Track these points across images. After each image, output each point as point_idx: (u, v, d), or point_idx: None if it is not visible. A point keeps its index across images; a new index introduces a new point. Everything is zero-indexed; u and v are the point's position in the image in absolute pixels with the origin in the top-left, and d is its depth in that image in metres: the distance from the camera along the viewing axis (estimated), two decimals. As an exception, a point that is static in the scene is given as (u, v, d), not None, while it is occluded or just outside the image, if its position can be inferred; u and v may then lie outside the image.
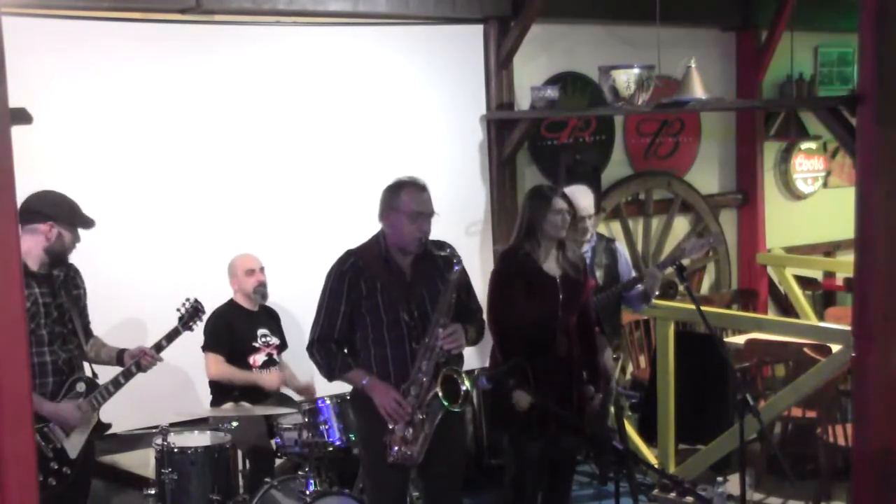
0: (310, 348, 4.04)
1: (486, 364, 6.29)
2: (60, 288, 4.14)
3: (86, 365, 4.26)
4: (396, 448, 3.88)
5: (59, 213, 4.07)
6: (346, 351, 4.03)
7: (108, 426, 4.29)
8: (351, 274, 3.96)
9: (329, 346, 4.00)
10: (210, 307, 5.14)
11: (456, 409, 3.92)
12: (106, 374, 4.26)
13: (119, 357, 4.31)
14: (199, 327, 4.61)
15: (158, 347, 4.29)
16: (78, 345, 4.19)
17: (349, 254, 4.04)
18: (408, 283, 3.99)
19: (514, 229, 4.62)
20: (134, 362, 4.22)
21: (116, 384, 4.19)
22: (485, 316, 4.33)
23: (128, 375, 4.22)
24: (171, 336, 4.33)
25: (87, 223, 4.19)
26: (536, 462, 4.55)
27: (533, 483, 4.59)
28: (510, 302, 4.44)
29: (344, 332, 4.00)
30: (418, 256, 4.01)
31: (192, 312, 4.42)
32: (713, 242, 6.16)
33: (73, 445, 4.08)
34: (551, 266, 4.49)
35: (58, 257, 4.12)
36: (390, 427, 3.89)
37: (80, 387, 4.13)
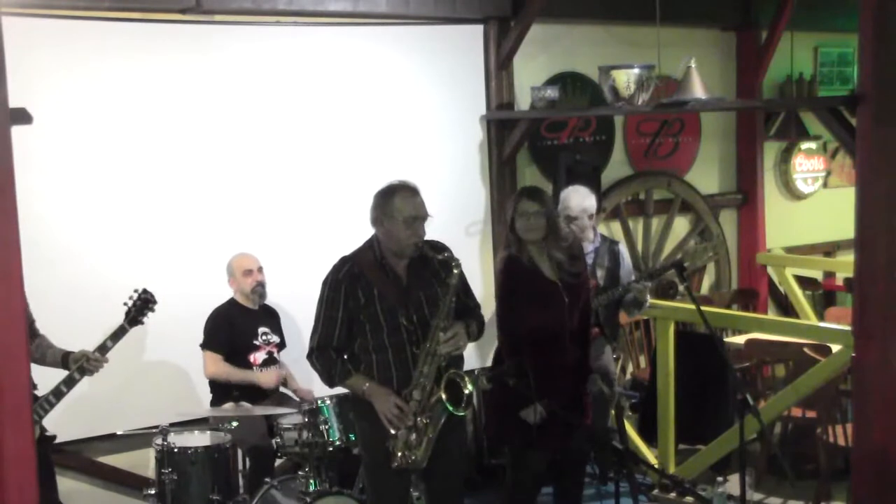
0: (309, 356, 4.01)
1: (487, 364, 6.32)
2: None
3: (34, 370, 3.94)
4: (400, 453, 3.85)
5: None
6: (345, 357, 3.99)
7: (54, 438, 4.05)
8: (347, 282, 3.91)
9: (328, 354, 3.96)
10: (212, 306, 5.18)
11: (461, 413, 3.88)
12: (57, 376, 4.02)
13: (64, 360, 4.05)
14: (150, 319, 4.31)
15: (103, 349, 4.05)
16: None
17: (344, 261, 3.99)
18: (404, 287, 3.95)
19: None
20: (77, 367, 3.97)
21: (58, 394, 3.91)
22: (489, 317, 4.27)
23: (70, 383, 3.95)
24: (118, 334, 4.09)
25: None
26: (537, 474, 4.51)
27: (530, 494, 4.55)
28: (517, 311, 4.34)
29: (343, 339, 3.96)
30: (413, 260, 3.97)
31: (141, 305, 4.17)
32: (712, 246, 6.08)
33: None
34: (550, 270, 4.36)
35: None
36: (392, 432, 3.86)
37: None
